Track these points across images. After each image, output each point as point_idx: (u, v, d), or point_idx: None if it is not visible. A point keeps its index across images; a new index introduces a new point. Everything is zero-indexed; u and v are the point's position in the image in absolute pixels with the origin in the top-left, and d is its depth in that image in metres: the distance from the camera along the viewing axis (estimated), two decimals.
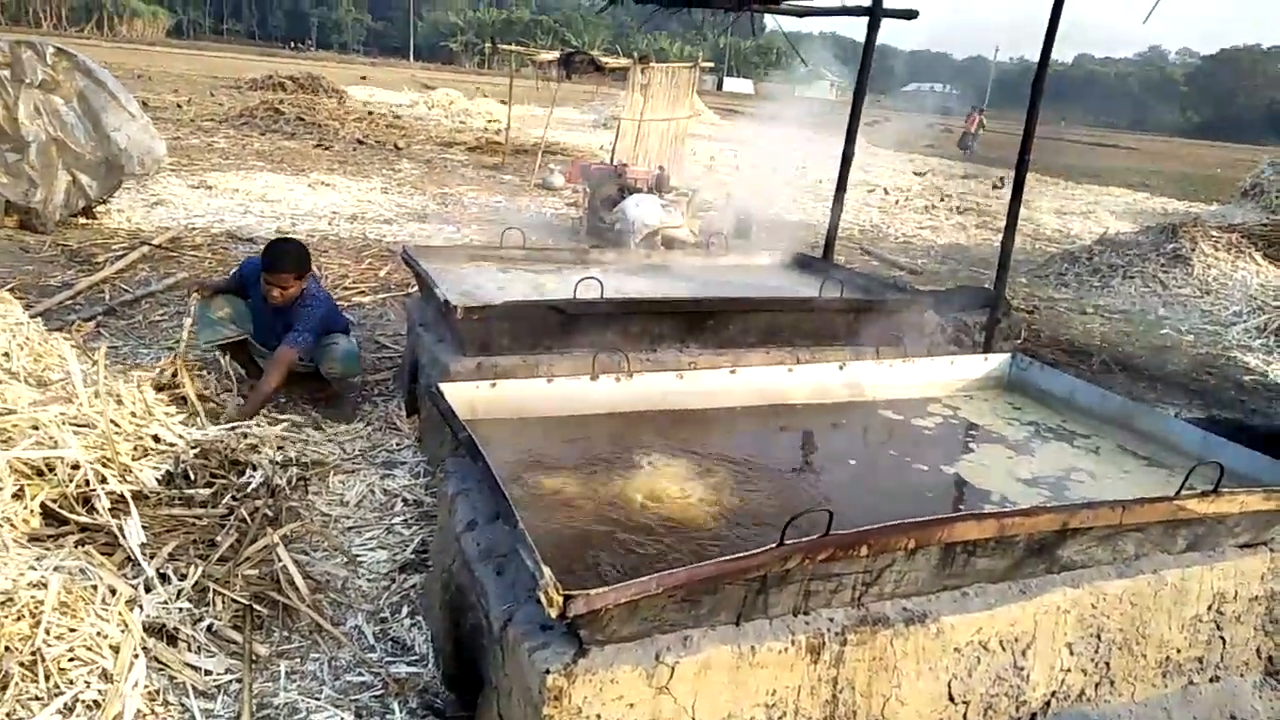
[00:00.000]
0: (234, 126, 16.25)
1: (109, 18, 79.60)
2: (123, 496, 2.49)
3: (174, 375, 3.27)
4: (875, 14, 5.15)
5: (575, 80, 13.03)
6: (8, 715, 2.12)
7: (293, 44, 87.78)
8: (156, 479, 2.67)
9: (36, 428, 2.43)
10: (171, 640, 2.47)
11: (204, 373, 3.79)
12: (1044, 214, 15.48)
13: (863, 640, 2.16)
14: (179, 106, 19.32)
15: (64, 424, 2.51)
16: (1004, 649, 2.35)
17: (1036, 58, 4.20)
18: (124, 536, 2.42)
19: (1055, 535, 2.36)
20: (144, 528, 2.60)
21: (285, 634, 2.65)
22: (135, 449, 2.73)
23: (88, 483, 2.50)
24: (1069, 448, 3.15)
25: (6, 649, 2.14)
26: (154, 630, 2.45)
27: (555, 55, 12.62)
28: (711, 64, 15.96)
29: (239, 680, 2.42)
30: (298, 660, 2.57)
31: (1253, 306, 8.18)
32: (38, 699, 2.16)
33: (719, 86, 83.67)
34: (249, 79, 24.88)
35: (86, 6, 79.37)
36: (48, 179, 7.16)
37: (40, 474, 2.47)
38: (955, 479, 2.83)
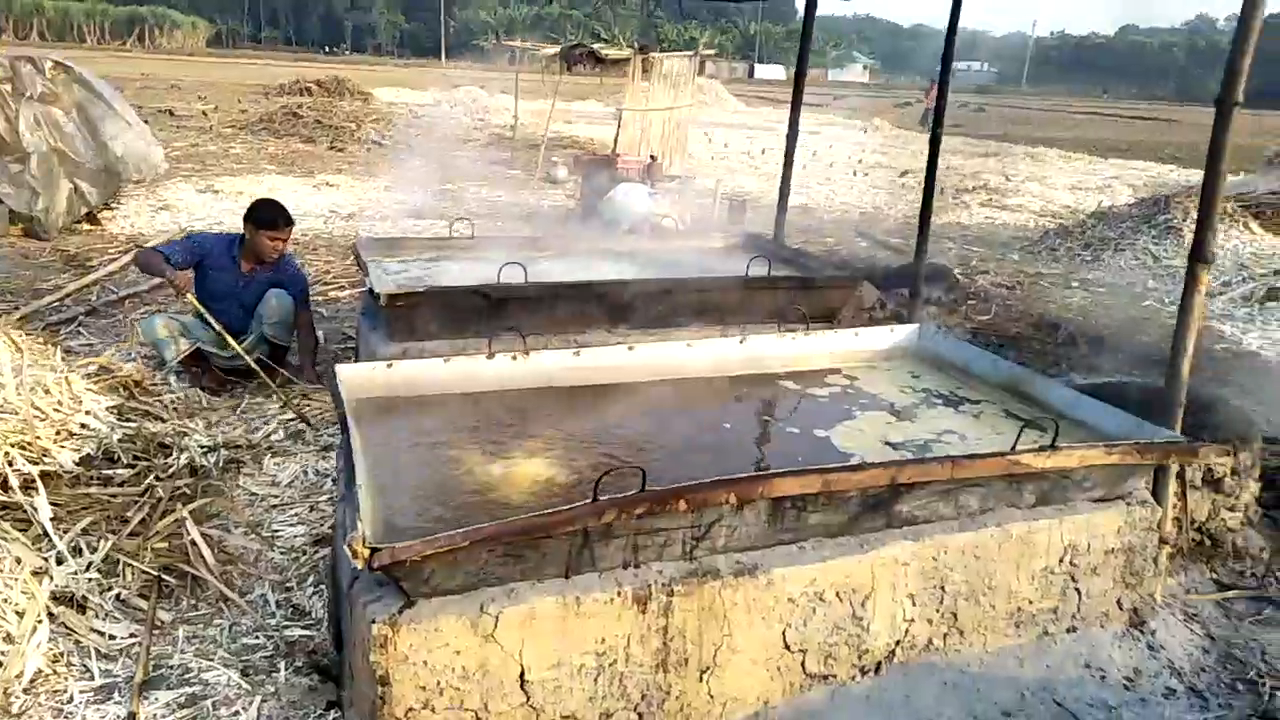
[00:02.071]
0: (252, 132, 16.68)
1: (150, 30, 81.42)
2: (34, 477, 2.72)
3: (101, 368, 3.51)
4: None
5: (576, 73, 13.18)
6: None
7: (327, 48, 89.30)
8: (75, 460, 2.91)
9: None
10: (81, 609, 2.69)
11: (147, 364, 4.03)
12: (1058, 189, 15.28)
13: (690, 591, 2.30)
14: (204, 114, 19.84)
15: None
16: (841, 600, 2.48)
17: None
18: (31, 512, 2.66)
19: (890, 490, 2.48)
20: (59, 505, 2.83)
21: (192, 603, 2.86)
22: (59, 433, 2.96)
23: (12, 462, 2.74)
24: (953, 412, 3.24)
25: None
26: (64, 599, 2.68)
27: (555, 49, 12.78)
28: (714, 51, 16.02)
29: (141, 644, 2.64)
30: (199, 626, 2.78)
31: (1243, 276, 8.09)
32: None
33: (750, 74, 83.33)
34: (277, 84, 25.45)
35: (129, 20, 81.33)
36: (49, 188, 7.51)
37: None
38: (823, 443, 2.95)
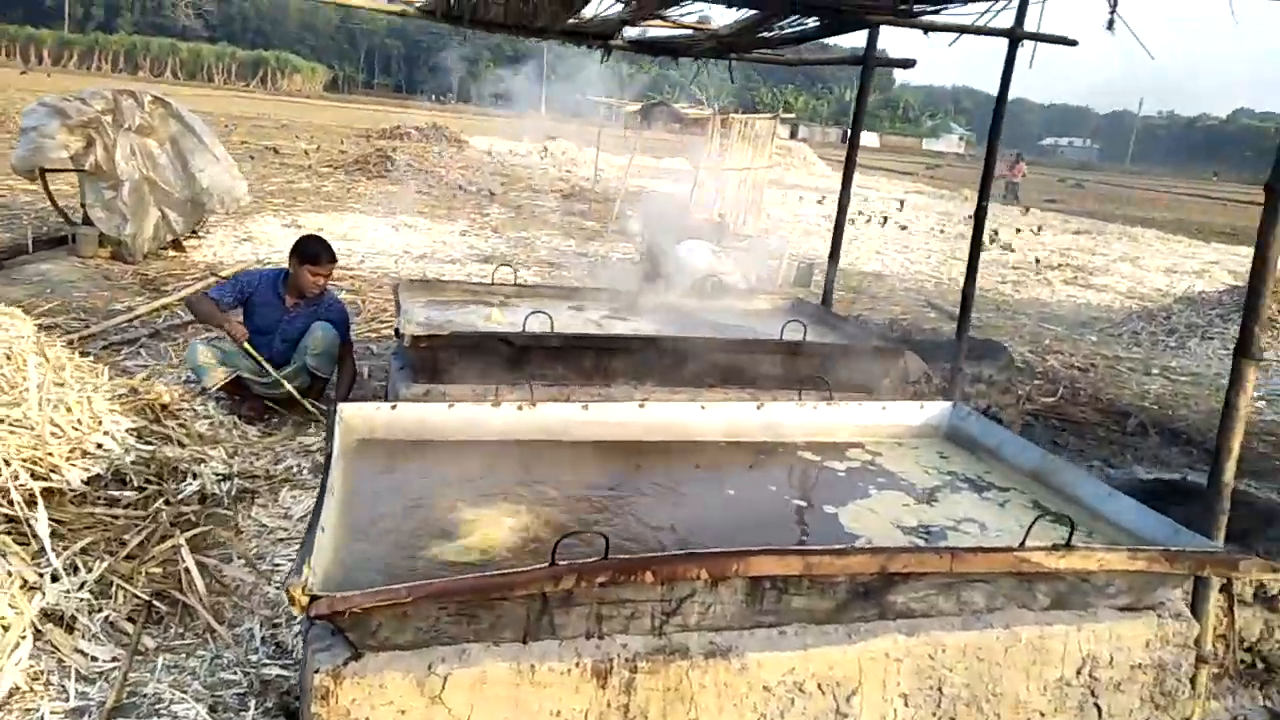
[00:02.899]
0: (346, 172, 17.34)
1: (271, 73, 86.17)
2: (36, 492, 2.78)
3: (132, 390, 3.59)
4: (868, 63, 5.16)
5: (655, 130, 13.35)
6: None
7: (435, 96, 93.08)
8: (83, 479, 2.96)
9: None
10: (70, 628, 2.71)
11: (181, 391, 4.13)
12: (1150, 272, 14.74)
13: (655, 669, 2.18)
14: (305, 153, 20.75)
15: None
16: (824, 692, 2.31)
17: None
18: (29, 527, 2.70)
19: (882, 579, 2.33)
20: (62, 522, 2.88)
21: (180, 631, 2.86)
22: (72, 451, 3.03)
23: (17, 477, 2.80)
24: (977, 499, 3.06)
25: None
26: (53, 617, 2.70)
27: (637, 106, 12.98)
28: (793, 115, 16.07)
29: (120, 669, 2.63)
30: (181, 656, 2.76)
31: None
32: None
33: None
34: (380, 129, 26.54)
35: (254, 63, 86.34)
36: (139, 215, 7.88)
37: None
38: (831, 521, 2.80)
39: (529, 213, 14.63)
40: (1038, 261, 14.49)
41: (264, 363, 4.33)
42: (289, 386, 4.41)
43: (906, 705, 2.40)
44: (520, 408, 3.18)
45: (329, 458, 2.58)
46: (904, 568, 2.29)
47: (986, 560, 2.35)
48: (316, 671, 2.00)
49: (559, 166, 24.29)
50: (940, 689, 2.42)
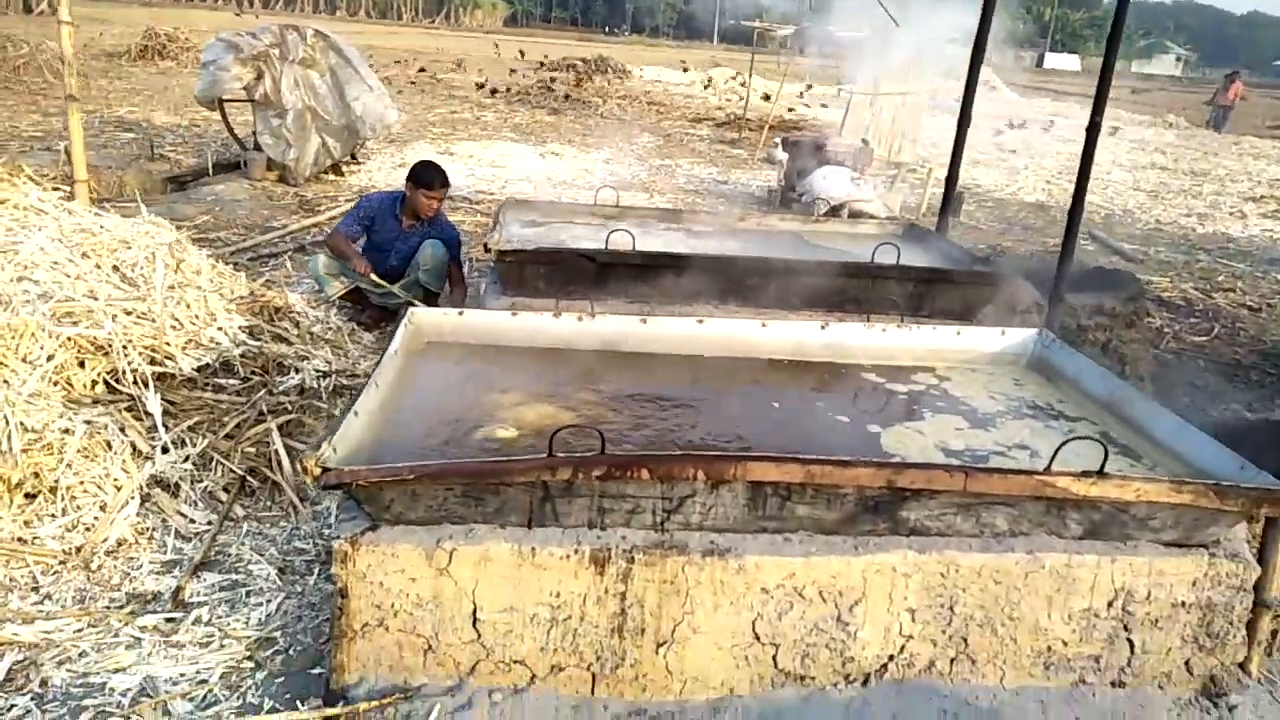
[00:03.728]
0: (508, 102, 17.82)
1: (455, 10, 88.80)
2: (153, 376, 3.16)
3: (252, 294, 3.96)
4: None
5: (809, 54, 12.91)
6: (27, 524, 2.82)
7: (608, 29, 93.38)
8: (194, 368, 3.33)
9: (91, 313, 3.14)
10: (174, 493, 3.09)
11: (302, 297, 4.50)
12: None
13: (653, 562, 2.27)
14: (476, 86, 21.42)
15: (120, 314, 3.21)
16: (825, 600, 2.33)
17: None
18: (143, 405, 3.08)
19: (891, 494, 2.30)
20: (173, 404, 3.25)
21: (267, 504, 3.20)
22: (188, 343, 3.40)
23: (132, 363, 3.19)
24: (1041, 426, 2.92)
25: (36, 475, 2.84)
26: (161, 483, 3.09)
27: (790, 29, 12.59)
28: (958, 35, 15.01)
29: (210, 531, 2.99)
30: (266, 525, 3.10)
31: None
32: (52, 516, 2.85)
33: (1039, 63, 77.09)
34: (550, 61, 27.00)
35: (439, 1, 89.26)
36: (301, 141, 8.47)
37: (105, 352, 3.19)
38: (871, 440, 2.77)
39: (678, 141, 14.59)
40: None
41: (386, 286, 4.64)
42: (404, 295, 4.70)
43: (914, 620, 2.38)
44: (580, 318, 3.29)
45: (384, 353, 2.79)
46: (911, 483, 2.25)
47: (1005, 483, 2.28)
48: (337, 538, 2.22)
49: (719, 95, 23.94)
50: (952, 608, 2.38)
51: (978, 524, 2.38)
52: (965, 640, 2.41)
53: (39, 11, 31.49)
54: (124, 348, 3.14)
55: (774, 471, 2.22)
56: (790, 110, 18.20)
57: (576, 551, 2.26)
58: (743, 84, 25.09)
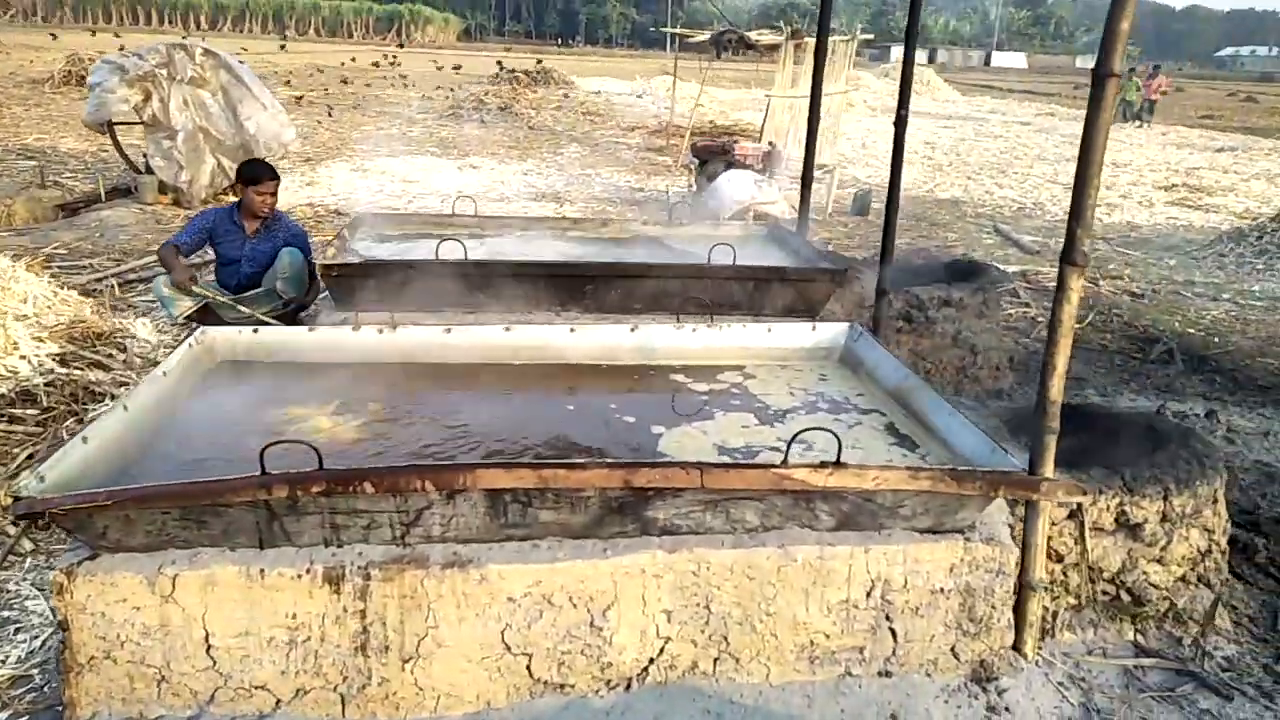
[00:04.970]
0: (438, 117, 17.73)
1: (407, 26, 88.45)
2: None
3: (75, 320, 3.88)
4: None
5: (725, 59, 12.96)
6: None
7: (561, 40, 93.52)
8: None
9: None
10: None
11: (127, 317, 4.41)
12: None
13: (390, 577, 2.22)
14: (412, 101, 21.31)
15: None
16: (575, 606, 2.30)
17: None
18: None
19: (634, 494, 2.27)
20: None
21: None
22: None
23: None
24: (828, 420, 2.91)
25: None
26: None
27: (706, 36, 12.63)
28: (871, 37, 15.24)
29: None
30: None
31: None
32: None
33: (986, 61, 78.22)
34: (491, 74, 26.92)
35: (389, 17, 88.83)
36: (194, 162, 8.35)
37: None
38: (650, 441, 2.74)
39: (606, 151, 14.58)
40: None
41: (217, 296, 4.52)
42: (250, 311, 4.59)
43: (670, 621, 2.35)
44: (380, 330, 3.24)
45: (145, 375, 2.72)
46: (648, 482, 2.23)
47: (743, 477, 2.26)
48: (52, 569, 2.15)
49: (658, 104, 24.00)
50: (708, 606, 2.36)
51: (728, 520, 2.36)
52: (726, 639, 2.38)
53: None
54: None
55: (505, 479, 2.19)
56: (722, 116, 18.30)
57: (309, 571, 2.20)
58: (692, 95, 25.27)
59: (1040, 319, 6.05)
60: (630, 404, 3.03)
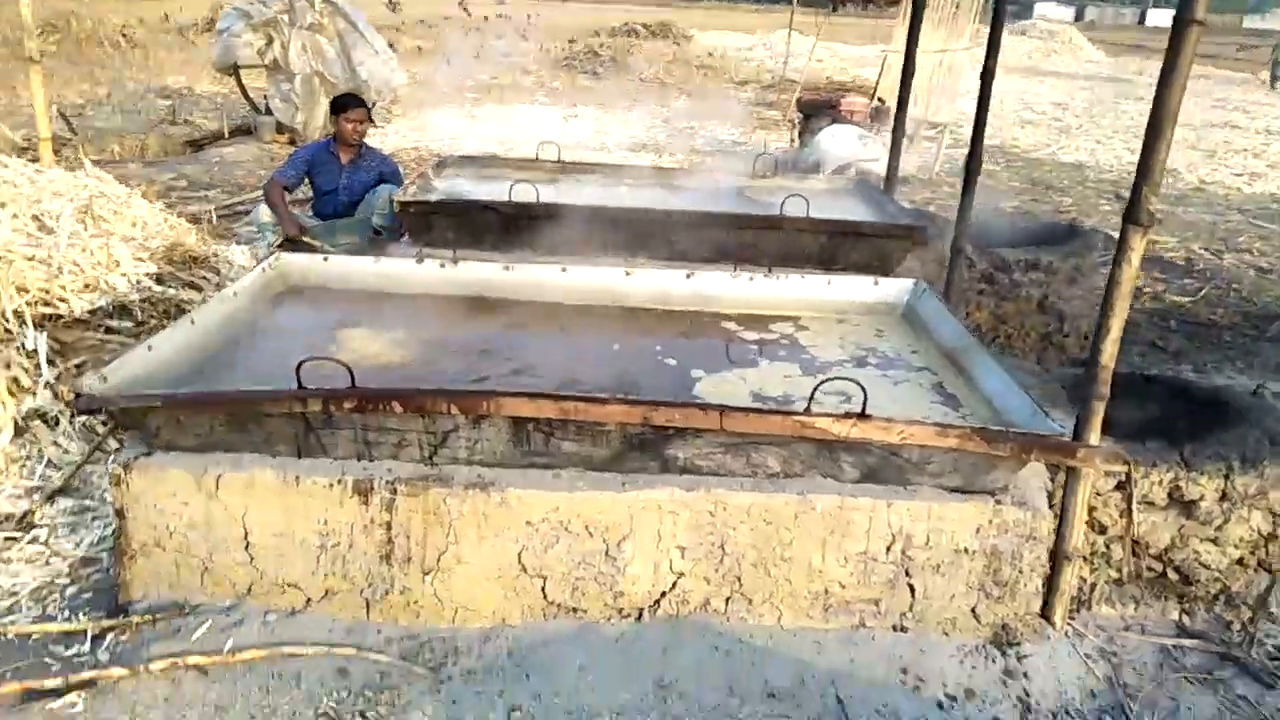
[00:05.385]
0: (552, 67, 17.84)
1: None
2: (43, 317, 3.35)
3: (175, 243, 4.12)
4: None
5: (846, 14, 12.57)
6: None
7: None
8: (88, 310, 3.51)
9: None
10: (54, 426, 3.27)
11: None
12: None
13: (415, 493, 2.32)
14: (528, 54, 21.49)
15: (18, 259, 3.41)
16: (591, 535, 2.35)
17: None
18: (22, 342, 3.27)
19: (654, 432, 2.30)
20: (63, 342, 3.43)
21: None
22: (85, 287, 3.58)
23: (14, 304, 3.38)
24: (874, 375, 2.85)
25: None
26: (42, 416, 3.27)
27: None
28: None
29: (77, 460, 3.16)
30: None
31: None
32: None
33: (1141, 20, 72.96)
34: (609, 26, 26.87)
35: None
36: (309, 104, 8.69)
37: None
38: (685, 385, 2.74)
39: (715, 104, 14.40)
40: None
41: (323, 246, 4.72)
42: (336, 251, 4.78)
43: (684, 557, 2.38)
44: (442, 265, 3.33)
45: (217, 293, 2.89)
46: (668, 421, 2.25)
47: (764, 422, 2.25)
48: (113, 461, 2.33)
49: (775, 58, 23.48)
50: (723, 546, 2.37)
51: (749, 464, 2.36)
52: (739, 580, 2.40)
53: None
54: (17, 290, 3.32)
55: (527, 407, 2.25)
56: (842, 72, 17.79)
57: (340, 481, 2.32)
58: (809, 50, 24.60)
59: (1147, 289, 5.71)
60: (676, 348, 3.04)
